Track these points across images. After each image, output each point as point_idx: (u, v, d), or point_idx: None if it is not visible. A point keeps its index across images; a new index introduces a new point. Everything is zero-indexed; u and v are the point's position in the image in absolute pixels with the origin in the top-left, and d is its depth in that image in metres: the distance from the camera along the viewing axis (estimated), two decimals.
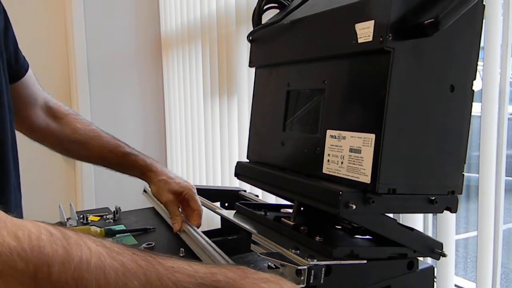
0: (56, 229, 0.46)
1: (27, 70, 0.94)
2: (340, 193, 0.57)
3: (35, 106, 0.98)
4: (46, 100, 1.01)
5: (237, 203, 0.85)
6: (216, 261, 0.72)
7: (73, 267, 0.44)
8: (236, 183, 1.38)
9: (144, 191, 1.19)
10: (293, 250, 0.61)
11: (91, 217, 1.09)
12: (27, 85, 0.95)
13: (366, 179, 0.57)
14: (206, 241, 0.80)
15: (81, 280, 0.44)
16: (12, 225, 0.43)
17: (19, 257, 0.42)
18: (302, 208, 0.77)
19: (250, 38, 0.85)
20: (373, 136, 0.57)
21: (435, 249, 0.69)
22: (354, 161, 0.60)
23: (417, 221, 1.02)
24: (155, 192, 1.00)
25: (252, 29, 0.84)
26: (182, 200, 0.97)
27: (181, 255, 0.80)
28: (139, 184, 1.11)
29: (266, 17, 0.85)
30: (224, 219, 0.94)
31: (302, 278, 0.56)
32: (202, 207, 0.97)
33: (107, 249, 0.47)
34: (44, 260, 0.43)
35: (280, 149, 0.75)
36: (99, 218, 1.09)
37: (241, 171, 0.84)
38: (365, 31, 0.58)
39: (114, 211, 1.12)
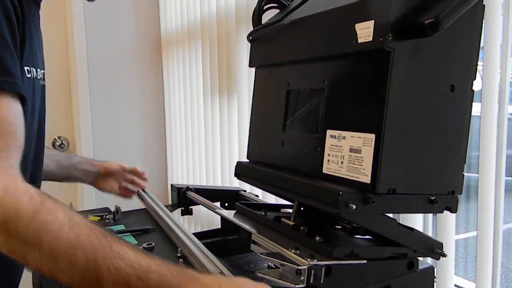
0: (40, 195, 0.56)
1: None
2: (340, 193, 0.57)
3: None
4: None
5: (237, 203, 0.85)
6: (205, 265, 0.71)
7: (36, 226, 0.53)
8: (236, 183, 1.38)
9: (138, 194, 1.19)
10: (293, 250, 0.61)
11: (91, 217, 1.09)
12: None
13: (366, 179, 0.57)
14: (197, 245, 0.79)
15: (39, 239, 0.53)
16: (10, 181, 0.55)
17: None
18: (302, 208, 0.77)
19: (250, 38, 0.85)
20: (373, 136, 0.57)
21: (435, 249, 0.69)
22: (354, 161, 0.60)
23: (417, 221, 1.02)
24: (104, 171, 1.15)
25: (252, 29, 0.84)
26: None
27: (178, 255, 0.80)
28: None
29: (266, 17, 0.85)
30: (224, 219, 0.95)
31: (302, 278, 0.56)
32: (202, 207, 0.97)
33: (71, 222, 0.55)
34: (15, 214, 0.53)
35: (280, 149, 0.75)
36: (99, 218, 1.10)
37: (241, 171, 0.84)
38: (365, 31, 0.58)
39: (114, 211, 1.12)
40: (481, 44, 0.64)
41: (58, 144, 2.22)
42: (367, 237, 0.71)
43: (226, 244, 0.94)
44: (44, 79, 0.84)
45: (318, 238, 0.63)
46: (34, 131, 0.79)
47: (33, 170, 0.82)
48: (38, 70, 0.78)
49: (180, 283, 0.55)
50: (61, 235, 0.54)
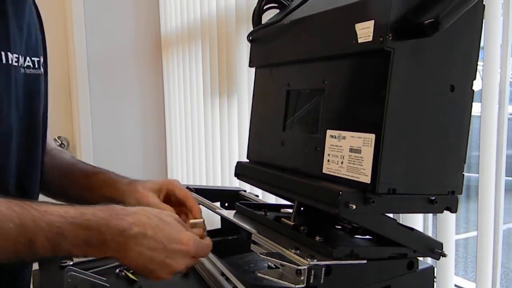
0: None
1: None
2: (340, 193, 0.57)
3: None
4: (49, 145, 0.98)
5: (237, 203, 0.85)
6: (205, 264, 0.73)
7: None
8: (236, 183, 1.38)
9: None
10: (293, 250, 0.61)
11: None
12: None
13: (366, 179, 0.57)
14: None
15: None
16: None
17: None
18: (302, 208, 0.77)
19: (250, 38, 0.85)
20: (373, 136, 0.57)
21: (435, 249, 0.69)
22: (354, 161, 0.60)
23: (417, 221, 1.02)
24: (134, 201, 0.82)
25: (252, 29, 0.84)
26: (166, 198, 0.84)
27: None
28: None
29: (266, 17, 0.85)
30: (224, 219, 0.95)
31: (302, 278, 0.56)
32: (202, 207, 0.97)
33: None
34: None
35: (280, 149, 0.75)
36: None
37: (241, 171, 0.84)
38: (365, 31, 0.58)
39: None
40: (481, 44, 0.64)
41: (58, 144, 2.22)
42: (367, 237, 0.71)
43: (226, 244, 0.94)
44: (36, 67, 0.79)
45: (318, 238, 0.63)
46: (13, 128, 0.74)
47: (20, 176, 0.77)
48: (16, 55, 0.73)
49: (111, 213, 0.59)
50: None
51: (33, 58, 0.79)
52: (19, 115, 0.76)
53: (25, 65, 0.76)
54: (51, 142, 1.00)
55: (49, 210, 0.57)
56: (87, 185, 0.85)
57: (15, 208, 0.55)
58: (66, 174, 0.90)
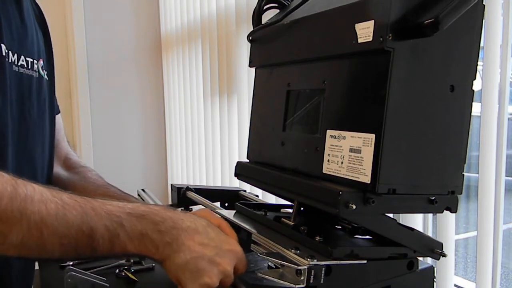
0: (6, 173, 0.54)
1: (56, 113, 0.94)
2: (340, 193, 0.57)
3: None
4: (67, 153, 1.00)
5: (237, 203, 0.85)
6: None
7: (19, 201, 0.52)
8: (236, 183, 1.38)
9: (138, 194, 1.19)
10: (293, 250, 0.61)
11: None
12: None
13: (366, 179, 0.57)
14: None
15: (25, 211, 0.52)
16: None
17: None
18: (302, 208, 0.77)
19: (250, 38, 0.85)
20: (373, 136, 0.57)
21: (435, 249, 0.69)
22: (354, 161, 0.60)
23: (417, 221, 1.02)
24: None
25: (252, 29, 0.84)
26: None
27: None
28: (138, 183, 1.11)
29: (266, 17, 0.85)
30: (224, 219, 0.94)
31: (302, 278, 0.56)
32: (202, 207, 0.96)
33: (48, 189, 0.56)
34: None
35: (280, 149, 0.75)
36: None
37: (241, 171, 0.84)
38: (365, 31, 0.58)
39: None
40: (481, 44, 0.64)
41: None
42: (367, 237, 0.71)
43: None
44: (30, 68, 0.78)
45: (318, 238, 0.63)
46: (6, 130, 0.73)
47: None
48: (6, 51, 0.71)
49: (165, 208, 0.61)
50: (46, 201, 0.54)
51: (27, 59, 0.78)
52: (12, 115, 0.75)
53: (18, 64, 0.75)
54: (72, 155, 1.00)
55: (107, 202, 0.59)
56: None
57: (76, 198, 0.57)
58: (89, 193, 0.89)
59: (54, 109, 0.91)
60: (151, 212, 0.60)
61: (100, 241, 0.56)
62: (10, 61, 0.73)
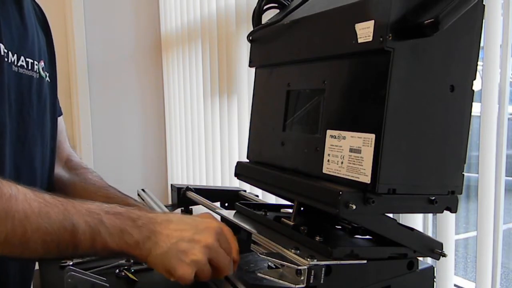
0: None
1: (59, 115, 0.95)
2: (340, 193, 0.57)
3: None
4: (69, 155, 1.00)
5: (237, 203, 0.85)
6: None
7: (4, 200, 0.54)
8: (236, 183, 1.38)
9: (138, 194, 1.19)
10: (293, 250, 0.61)
11: None
12: None
13: (366, 179, 0.57)
14: None
15: (10, 210, 0.54)
16: None
17: None
18: (302, 208, 0.77)
19: (250, 38, 0.85)
20: (373, 136, 0.57)
21: (435, 249, 0.69)
22: (354, 161, 0.60)
23: (417, 221, 1.02)
24: None
25: (252, 29, 0.84)
26: None
27: None
28: (138, 183, 1.11)
29: (266, 17, 0.85)
30: (224, 219, 0.94)
31: (302, 278, 0.56)
32: (202, 207, 0.96)
33: (31, 190, 0.58)
34: None
35: (280, 149, 0.75)
36: None
37: (241, 171, 0.84)
38: (365, 31, 0.58)
39: None
40: (481, 44, 0.64)
41: None
42: (367, 237, 0.71)
43: None
44: (30, 69, 0.79)
45: (318, 238, 0.63)
46: (4, 129, 0.73)
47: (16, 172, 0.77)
48: (6, 50, 0.72)
49: (142, 211, 0.63)
50: (29, 200, 0.56)
51: (27, 59, 0.78)
52: (10, 115, 0.75)
53: (18, 64, 0.76)
54: (74, 157, 1.00)
55: (86, 201, 0.61)
56: None
57: (57, 197, 0.59)
58: (89, 194, 0.91)
59: (56, 111, 0.92)
60: (127, 210, 0.62)
61: (82, 237, 0.58)
62: (9, 61, 0.73)
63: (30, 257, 0.60)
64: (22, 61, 0.77)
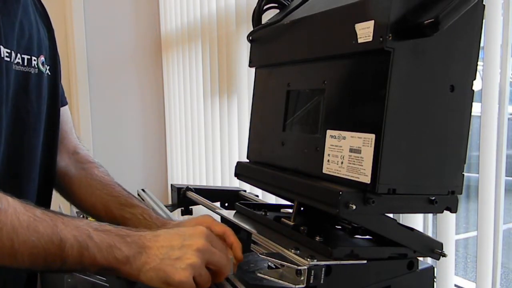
0: None
1: (63, 105, 0.95)
2: (340, 193, 0.57)
3: (60, 145, 0.93)
4: (76, 147, 0.99)
5: (237, 203, 0.85)
6: None
7: None
8: (236, 183, 1.38)
9: (138, 194, 1.19)
10: (293, 250, 0.61)
11: (90, 217, 1.09)
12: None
13: (366, 179, 0.57)
14: None
15: None
16: None
17: None
18: (302, 208, 0.77)
19: (250, 38, 0.85)
20: (373, 136, 0.57)
21: (435, 249, 0.69)
22: (354, 161, 0.60)
23: (417, 221, 1.02)
24: None
25: (252, 29, 0.84)
26: None
27: None
28: (138, 183, 1.11)
29: (266, 17, 0.85)
30: (224, 219, 0.94)
31: (302, 278, 0.56)
32: (202, 207, 0.97)
33: (22, 204, 0.59)
34: None
35: (280, 149, 0.75)
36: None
37: (241, 171, 0.84)
38: (365, 31, 0.58)
39: None
40: (481, 44, 0.64)
41: None
42: (367, 237, 0.71)
43: None
44: (26, 65, 0.78)
45: (318, 238, 0.63)
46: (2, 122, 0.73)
47: (8, 182, 0.76)
48: (8, 50, 0.72)
49: (131, 229, 0.64)
50: (18, 214, 0.57)
51: (23, 56, 0.78)
52: (6, 111, 0.75)
53: (15, 62, 0.75)
54: (81, 149, 0.99)
55: (74, 218, 0.62)
56: (121, 215, 0.87)
57: (48, 213, 0.60)
58: (103, 202, 0.90)
59: (57, 102, 0.90)
60: (116, 228, 0.63)
61: (69, 251, 0.58)
62: (11, 60, 0.73)
63: (18, 268, 0.60)
64: (19, 58, 0.77)
